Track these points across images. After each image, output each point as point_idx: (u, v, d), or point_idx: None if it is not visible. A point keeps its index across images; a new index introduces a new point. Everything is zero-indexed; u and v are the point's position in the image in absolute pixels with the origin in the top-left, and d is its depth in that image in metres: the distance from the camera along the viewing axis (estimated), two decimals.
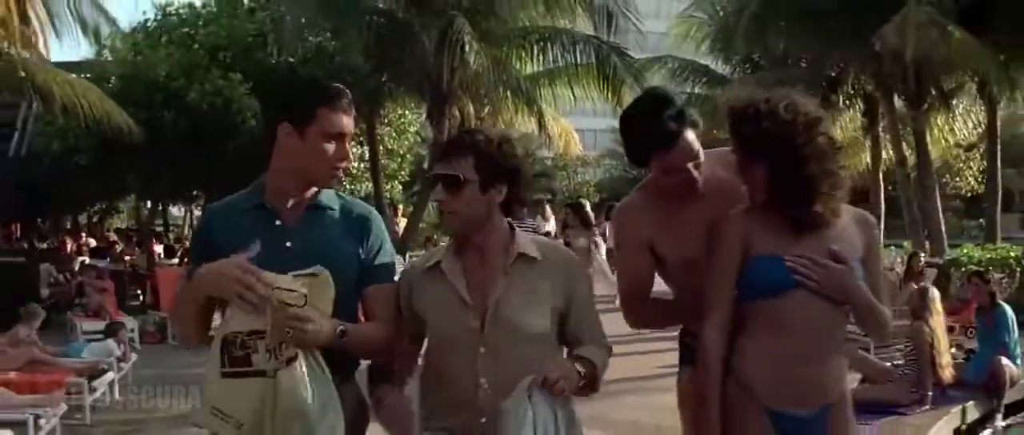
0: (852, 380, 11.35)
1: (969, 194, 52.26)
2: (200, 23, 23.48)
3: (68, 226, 37.57)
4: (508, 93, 25.51)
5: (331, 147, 3.80)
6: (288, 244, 3.82)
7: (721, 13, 27.76)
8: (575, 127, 32.25)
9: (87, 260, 24.89)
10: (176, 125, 20.38)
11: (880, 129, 24.75)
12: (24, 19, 16.12)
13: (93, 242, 30.01)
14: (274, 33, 22.47)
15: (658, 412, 8.91)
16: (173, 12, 24.73)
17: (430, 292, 3.92)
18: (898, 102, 22.42)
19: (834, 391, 4.08)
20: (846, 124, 27.95)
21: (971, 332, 13.37)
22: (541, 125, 26.79)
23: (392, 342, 3.93)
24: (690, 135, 4.10)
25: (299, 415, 3.59)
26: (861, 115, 26.43)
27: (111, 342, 13.37)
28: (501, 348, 3.76)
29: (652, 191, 4.42)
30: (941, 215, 21.88)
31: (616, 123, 4.54)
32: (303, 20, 23.48)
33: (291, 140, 3.80)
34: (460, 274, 3.89)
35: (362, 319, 4.02)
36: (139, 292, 21.97)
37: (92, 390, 11.09)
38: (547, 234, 19.26)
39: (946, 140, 26.89)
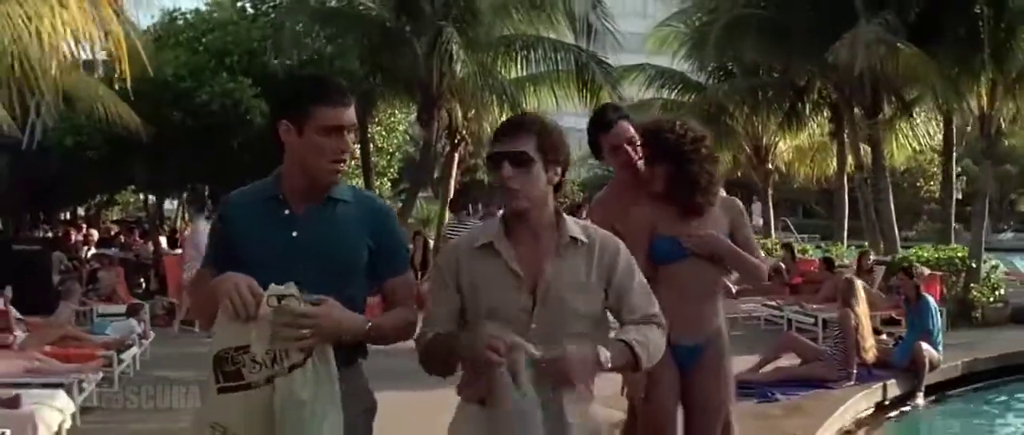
0: (790, 360, 13.01)
1: (940, 196, 53.80)
2: (205, 28, 24.32)
3: (66, 217, 38.28)
4: (494, 97, 26.02)
5: (329, 142, 3.86)
6: (293, 234, 3.91)
7: (696, 24, 28.58)
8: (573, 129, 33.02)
9: (94, 250, 26.10)
10: (184, 123, 21.33)
11: (845, 135, 25.64)
12: None
13: (95, 233, 30.92)
14: (274, 40, 23.45)
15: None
16: (180, 17, 25.56)
17: (482, 268, 3.98)
18: (857, 111, 23.31)
19: (712, 325, 5.73)
20: (814, 130, 29.20)
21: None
22: None
23: (414, 328, 4.02)
24: (625, 123, 5.83)
25: (297, 424, 3.66)
26: (828, 121, 27.23)
27: (132, 321, 14.56)
28: (552, 327, 3.82)
29: (615, 188, 6.10)
30: (893, 217, 22.77)
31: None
32: (300, 28, 24.40)
33: (291, 137, 3.89)
34: (513, 253, 3.95)
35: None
36: (142, 280, 22.98)
37: (120, 362, 12.26)
38: None
39: (912, 146, 27.71)
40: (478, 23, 25.17)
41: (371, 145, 30.35)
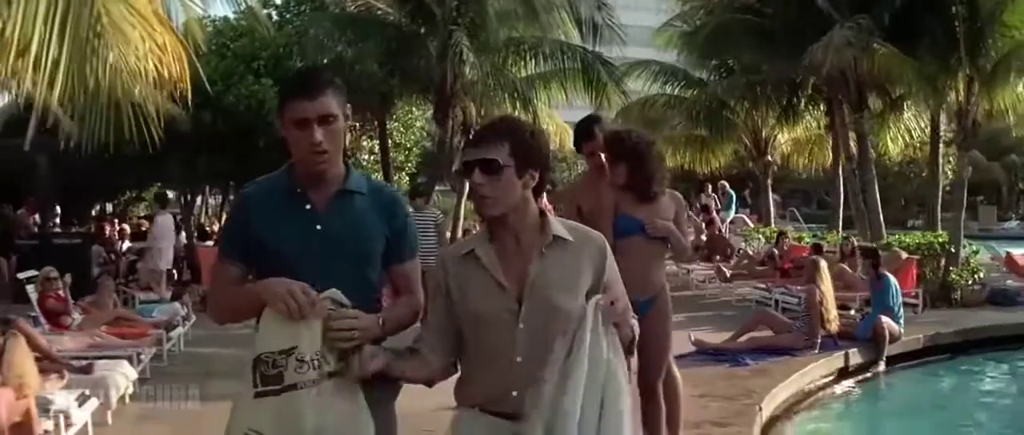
0: (764, 333, 14.47)
1: (947, 187, 54.30)
2: (232, 35, 25.50)
3: (96, 213, 39.24)
4: (505, 94, 26.90)
5: (299, 134, 3.91)
6: (318, 227, 3.99)
7: (697, 23, 29.01)
8: (570, 122, 33.96)
9: (127, 243, 27.54)
10: (214, 123, 22.47)
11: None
12: None
13: (127, 228, 32.14)
14: (299, 45, 24.66)
15: None
16: (209, 24, 26.61)
17: (466, 278, 3.98)
18: (845, 106, 24.15)
19: (658, 285, 7.52)
20: (810, 124, 30.28)
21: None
22: (536, 122, 28.74)
23: (420, 314, 4.15)
24: (600, 135, 7.66)
25: (339, 428, 3.76)
26: (824, 115, 27.98)
27: (177, 304, 16.11)
28: (538, 326, 3.81)
29: (585, 179, 8.14)
30: (879, 205, 23.60)
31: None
32: (322, 35, 25.26)
33: (284, 133, 4.01)
34: (495, 260, 3.95)
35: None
36: (174, 271, 24.32)
37: (169, 339, 13.77)
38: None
39: (903, 138, 28.09)
40: (486, 27, 25.95)
41: (390, 140, 31.30)
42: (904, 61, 20.84)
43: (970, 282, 21.10)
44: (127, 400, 10.71)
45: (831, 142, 28.56)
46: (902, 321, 15.21)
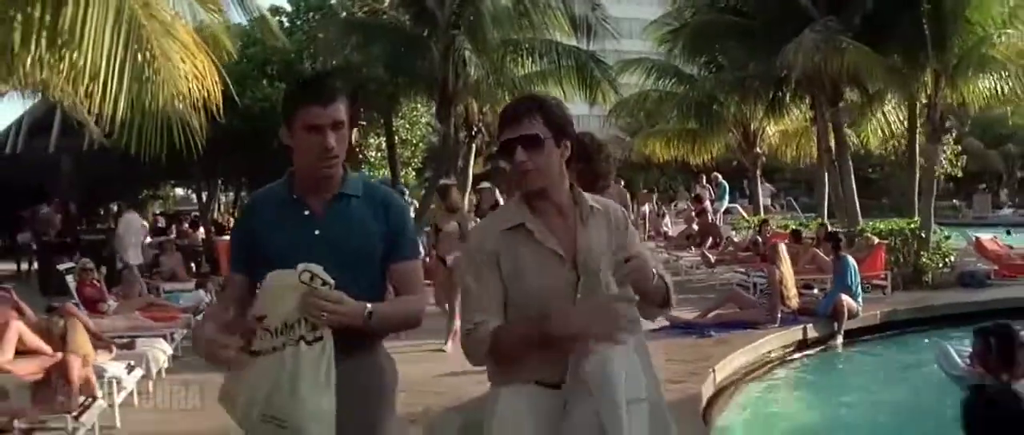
0: (731, 310, 15.89)
1: (940, 176, 55.11)
2: (246, 41, 26.26)
3: (116, 211, 40.42)
4: (505, 93, 27.42)
5: (311, 139, 3.95)
6: (317, 232, 4.04)
7: (685, 21, 29.54)
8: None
9: (149, 239, 28.97)
10: (231, 125, 23.66)
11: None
12: None
13: (146, 225, 33.51)
14: (309, 49, 25.88)
15: None
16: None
17: (518, 253, 3.89)
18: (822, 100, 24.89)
19: None
20: (796, 116, 30.77)
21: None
22: None
23: (423, 314, 4.12)
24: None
25: (311, 391, 3.80)
26: (809, 108, 28.04)
27: (201, 292, 17.60)
28: (586, 295, 3.81)
29: None
30: (855, 193, 24.40)
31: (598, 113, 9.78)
32: (332, 39, 26.72)
33: (288, 139, 4.05)
34: (548, 232, 3.91)
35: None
36: (193, 264, 25.51)
37: (196, 322, 15.38)
38: None
39: (883, 131, 29.14)
40: (484, 28, 26.84)
41: (396, 137, 32.45)
42: (873, 58, 21.74)
43: (941, 265, 22.29)
44: (163, 373, 12.18)
45: (816, 134, 28.76)
46: (860, 299, 16.67)
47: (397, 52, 26.94)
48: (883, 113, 27.89)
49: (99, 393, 9.50)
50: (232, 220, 33.81)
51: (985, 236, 27.05)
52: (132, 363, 11.03)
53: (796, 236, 22.13)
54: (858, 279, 16.80)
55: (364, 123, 29.81)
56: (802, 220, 30.97)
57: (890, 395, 13.51)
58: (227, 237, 25.23)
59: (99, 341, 11.34)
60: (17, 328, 10.09)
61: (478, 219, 15.57)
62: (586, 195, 4.11)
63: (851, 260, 16.96)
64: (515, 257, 3.93)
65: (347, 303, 3.82)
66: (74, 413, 8.67)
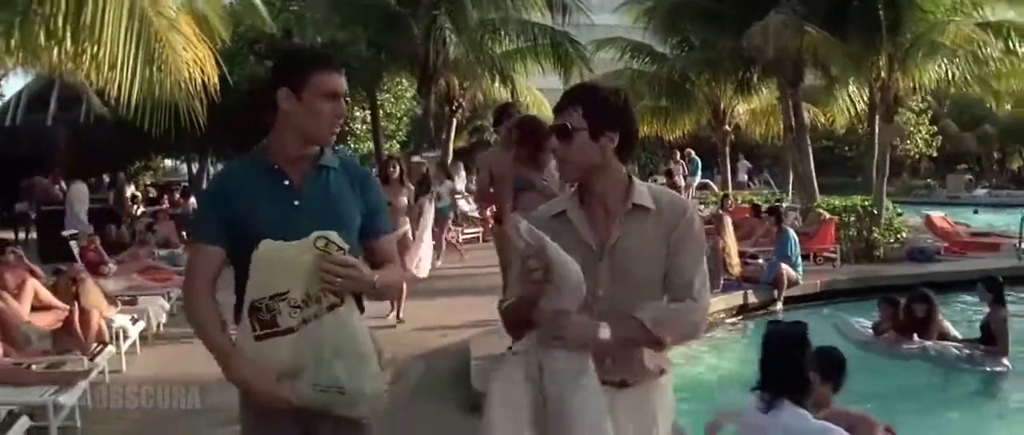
0: None
1: (916, 155, 55.55)
2: (235, 21, 27.15)
3: (108, 181, 41.43)
4: (485, 70, 29.35)
5: (327, 106, 3.93)
6: (297, 203, 3.98)
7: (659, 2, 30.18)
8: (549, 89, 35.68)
9: (142, 208, 30.26)
10: (222, 102, 24.62)
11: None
12: None
13: (139, 194, 34.77)
14: (296, 27, 27.00)
15: None
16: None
17: (557, 238, 3.74)
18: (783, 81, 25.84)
19: None
20: (764, 95, 31.69)
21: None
22: (514, 94, 30.01)
23: (400, 286, 4.17)
24: (510, 119, 10.21)
25: (354, 353, 3.81)
26: (776, 87, 28.38)
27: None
28: (619, 292, 3.77)
29: (498, 148, 10.35)
30: (813, 171, 25.28)
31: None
32: (318, 16, 27.87)
33: (290, 104, 3.93)
34: (584, 220, 3.91)
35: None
36: (184, 232, 26.53)
37: None
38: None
39: (847, 111, 30.18)
40: (466, 8, 28.03)
41: (381, 111, 33.47)
42: (832, 42, 22.67)
43: (892, 241, 23.36)
44: (162, 328, 13.61)
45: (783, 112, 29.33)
46: (800, 269, 17.96)
47: (380, 30, 28.09)
48: (848, 94, 28.71)
49: (108, 340, 10.91)
50: None
51: (936, 214, 27.87)
52: (135, 317, 12.51)
53: (756, 210, 23.08)
54: (797, 250, 17.97)
55: (348, 99, 30.72)
56: (779, 196, 31.40)
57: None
58: None
59: (106, 297, 12.70)
60: (33, 285, 11.58)
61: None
62: (646, 193, 3.97)
63: (792, 233, 18.26)
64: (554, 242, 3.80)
65: (362, 269, 3.87)
66: (89, 356, 10.05)
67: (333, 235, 3.75)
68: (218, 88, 14.10)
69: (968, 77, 25.05)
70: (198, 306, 4.08)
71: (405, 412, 8.93)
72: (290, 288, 3.74)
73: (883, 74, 23.95)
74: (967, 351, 13.51)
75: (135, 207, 30.21)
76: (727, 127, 33.71)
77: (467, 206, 26.12)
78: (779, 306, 17.37)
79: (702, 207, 29.33)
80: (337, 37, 28.20)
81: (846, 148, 53.65)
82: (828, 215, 22.25)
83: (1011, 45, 24.37)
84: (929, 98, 45.46)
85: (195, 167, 33.14)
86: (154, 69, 12.20)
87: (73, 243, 17.26)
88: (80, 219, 22.64)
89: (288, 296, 3.75)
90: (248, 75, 25.03)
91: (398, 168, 14.94)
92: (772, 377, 6.07)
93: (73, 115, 28.65)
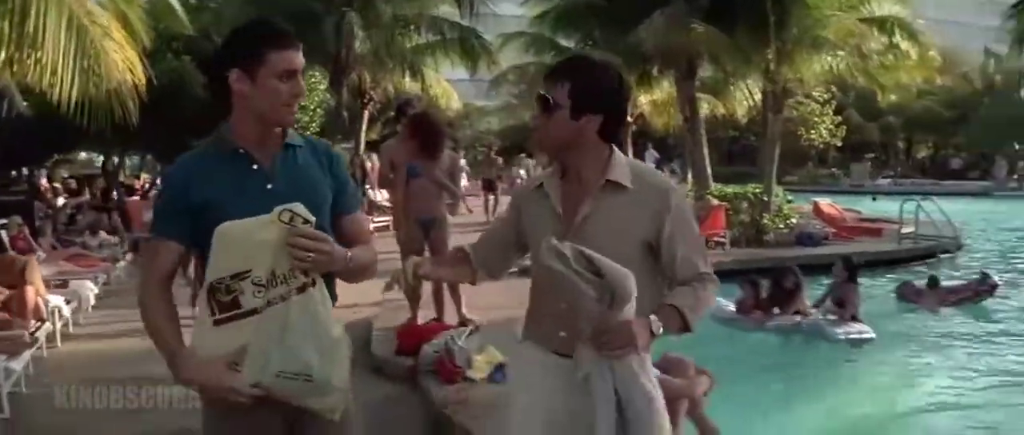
0: None
1: (821, 144, 56.48)
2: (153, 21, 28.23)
3: (27, 175, 41.78)
4: (395, 64, 30.56)
5: (284, 85, 3.68)
6: (269, 186, 3.76)
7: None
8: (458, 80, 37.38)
9: (62, 199, 30.95)
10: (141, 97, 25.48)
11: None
12: None
13: (59, 187, 35.55)
14: (215, 26, 27.75)
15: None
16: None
17: (533, 210, 3.99)
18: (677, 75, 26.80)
19: (438, 210, 10.72)
20: (665, 87, 32.02)
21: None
22: (424, 86, 32.00)
23: (375, 267, 3.87)
24: (410, 112, 11.32)
25: (326, 337, 3.61)
26: (675, 81, 28.94)
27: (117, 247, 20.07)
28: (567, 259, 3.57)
29: (399, 139, 10.90)
30: (706, 160, 26.31)
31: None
32: (233, 15, 28.23)
33: (244, 85, 3.69)
34: (558, 193, 3.94)
35: None
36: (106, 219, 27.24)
37: (115, 269, 17.90)
38: None
39: (746, 102, 31.20)
40: (378, 5, 29.17)
41: None
42: (719, 37, 23.55)
43: (781, 226, 24.44)
44: (90, 309, 14.56)
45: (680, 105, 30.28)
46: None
47: (292, 25, 28.22)
48: (746, 86, 29.56)
49: (45, 317, 11.97)
50: (137, 182, 36.07)
51: (824, 201, 28.92)
52: (68, 298, 13.53)
53: None
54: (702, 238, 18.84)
55: None
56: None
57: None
58: (136, 197, 27.50)
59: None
60: None
61: None
62: (626, 171, 3.93)
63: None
64: (531, 213, 4.07)
65: (334, 244, 3.66)
66: (30, 331, 11.09)
67: (298, 207, 3.53)
68: (144, 89, 15.10)
69: (854, 70, 25.97)
70: (149, 305, 3.81)
71: None
72: (253, 267, 3.50)
73: (772, 67, 24.71)
74: (833, 316, 14.86)
75: (56, 198, 30.82)
76: (629, 118, 34.03)
77: (378, 196, 26.82)
78: None
79: None
80: None
81: (752, 138, 54.62)
82: (717, 201, 23.21)
83: (893, 40, 25.20)
84: (834, 89, 46.36)
85: (116, 160, 33.55)
86: (90, 73, 13.32)
87: (2, 232, 18.08)
88: None
89: (251, 275, 3.50)
90: (169, 70, 25.69)
91: None
92: None
93: None
